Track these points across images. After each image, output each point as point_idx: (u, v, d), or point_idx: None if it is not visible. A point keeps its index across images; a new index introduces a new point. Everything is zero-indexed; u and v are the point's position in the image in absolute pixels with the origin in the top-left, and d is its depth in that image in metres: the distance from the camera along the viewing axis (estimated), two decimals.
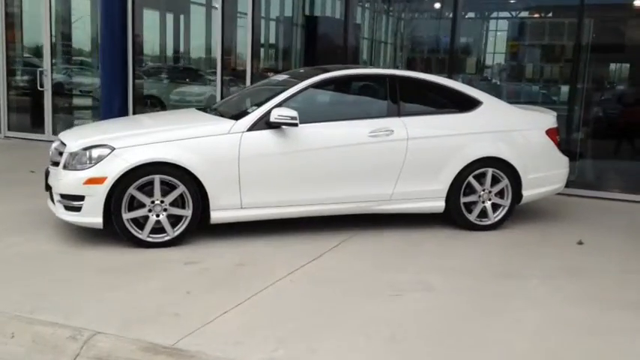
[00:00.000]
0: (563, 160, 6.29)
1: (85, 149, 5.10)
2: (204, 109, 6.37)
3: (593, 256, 5.35)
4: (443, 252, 5.32)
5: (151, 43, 10.43)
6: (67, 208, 5.09)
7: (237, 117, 5.44)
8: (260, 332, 3.62)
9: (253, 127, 5.32)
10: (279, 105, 5.41)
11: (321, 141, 5.45)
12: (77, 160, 5.09)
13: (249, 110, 5.50)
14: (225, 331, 3.64)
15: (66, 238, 5.29)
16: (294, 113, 5.21)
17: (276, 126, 5.33)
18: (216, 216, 5.26)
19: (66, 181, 5.03)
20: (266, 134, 5.33)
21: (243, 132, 5.29)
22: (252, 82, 8.83)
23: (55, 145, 5.55)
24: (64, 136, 5.53)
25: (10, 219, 5.82)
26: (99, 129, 5.79)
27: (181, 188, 5.09)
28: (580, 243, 5.71)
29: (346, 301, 4.16)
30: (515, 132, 6.04)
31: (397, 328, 3.74)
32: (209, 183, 5.14)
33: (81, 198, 4.99)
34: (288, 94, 5.52)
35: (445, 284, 4.53)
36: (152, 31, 10.17)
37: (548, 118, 6.29)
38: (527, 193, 6.09)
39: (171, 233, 5.15)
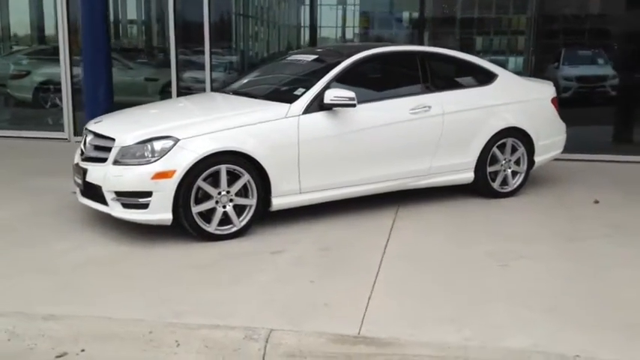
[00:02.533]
0: (563, 127, 6.75)
1: (144, 142, 4.78)
2: (220, 91, 6.17)
3: (619, 212, 5.80)
4: (495, 221, 5.54)
5: None
6: (129, 205, 4.76)
7: (284, 99, 5.30)
8: (424, 313, 3.65)
9: (308, 110, 5.22)
10: (327, 86, 5.34)
11: (371, 120, 5.47)
12: (134, 154, 4.77)
13: (297, 92, 5.37)
14: (391, 315, 3.63)
15: (117, 237, 4.97)
16: (352, 94, 5.19)
17: (328, 107, 5.27)
18: (278, 202, 5.15)
19: (128, 177, 4.69)
20: (320, 116, 5.27)
21: (299, 115, 5.19)
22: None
23: (89, 139, 5.13)
24: (104, 128, 5.11)
25: (34, 222, 5.37)
26: (142, 118, 5.42)
27: (246, 177, 4.93)
28: (596, 202, 6.18)
29: (464, 276, 4.27)
30: (529, 102, 6.38)
31: (546, 298, 3.90)
32: (271, 169, 5.02)
33: (148, 194, 4.68)
34: (333, 74, 5.45)
35: (531, 251, 4.75)
36: None
37: (550, 88, 6.70)
38: (538, 159, 6.48)
39: (238, 224, 4.98)
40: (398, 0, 9.77)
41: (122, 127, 5.07)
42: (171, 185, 4.68)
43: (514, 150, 6.28)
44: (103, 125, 5.22)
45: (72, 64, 9.35)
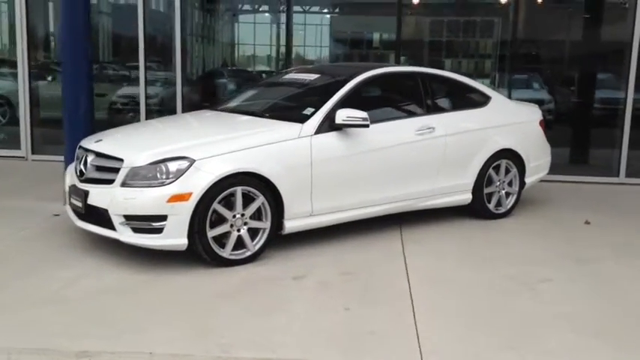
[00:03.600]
0: (549, 149, 6.88)
1: (157, 162, 4.53)
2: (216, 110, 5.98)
3: (613, 233, 5.93)
4: (498, 243, 5.55)
5: None
6: (140, 230, 4.49)
7: (294, 119, 5.16)
8: (478, 340, 3.58)
9: (319, 130, 5.10)
10: (336, 106, 5.24)
11: (380, 141, 5.40)
12: (146, 176, 4.51)
13: (306, 112, 5.24)
14: (447, 344, 3.54)
15: (122, 263, 4.69)
16: (365, 114, 5.10)
17: (338, 128, 5.16)
18: (290, 225, 4.98)
19: (142, 200, 4.42)
20: (332, 137, 5.16)
21: (311, 135, 5.06)
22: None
23: (90, 159, 4.83)
24: (109, 148, 4.82)
25: (24, 248, 5.01)
26: (149, 137, 5.15)
27: (260, 199, 4.75)
28: (587, 222, 6.31)
29: (497, 300, 4.23)
30: (520, 124, 6.48)
31: (588, 322, 3.90)
32: (284, 191, 4.86)
33: (163, 218, 4.43)
34: (342, 94, 5.36)
35: (547, 274, 4.76)
36: None
37: (538, 111, 6.82)
38: (528, 180, 6.58)
39: (252, 248, 4.78)
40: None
41: (130, 147, 4.79)
42: (187, 208, 4.44)
43: (507, 171, 6.34)
44: (105, 144, 4.91)
45: (30, 78, 8.88)
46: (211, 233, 4.58)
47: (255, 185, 4.72)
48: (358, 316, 3.89)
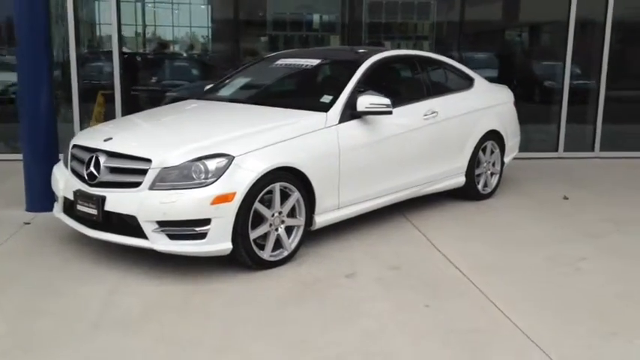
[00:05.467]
0: (519, 128, 7.04)
1: (193, 161, 4.10)
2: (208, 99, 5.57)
3: (604, 208, 6.17)
4: (507, 223, 5.60)
5: None
6: (179, 237, 4.06)
7: (314, 108, 4.89)
8: (595, 329, 3.55)
9: (342, 118, 4.87)
10: (353, 92, 5.02)
11: (395, 127, 5.25)
12: (180, 176, 4.07)
13: (324, 100, 4.97)
14: (562, 335, 3.48)
15: (149, 273, 4.24)
16: (387, 100, 4.92)
17: (358, 115, 4.96)
18: (320, 220, 4.73)
19: (182, 203, 3.99)
20: (354, 124, 4.95)
21: (337, 124, 4.82)
22: None
23: (103, 160, 4.29)
24: (128, 147, 4.30)
25: (29, 262, 4.41)
26: (172, 132, 4.66)
27: (296, 195, 4.46)
28: (565, 198, 6.54)
29: (561, 284, 4.25)
30: (501, 105, 6.56)
31: None
32: (317, 185, 4.60)
33: (206, 222, 4.03)
34: (357, 79, 5.14)
35: (578, 252, 4.85)
36: None
37: (510, 92, 6.94)
38: (506, 159, 6.70)
39: (289, 248, 4.49)
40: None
41: (155, 145, 4.29)
42: (231, 210, 4.06)
43: (491, 152, 6.40)
44: (121, 143, 4.37)
45: None
46: (253, 235, 4.23)
47: (291, 180, 4.41)
48: (443, 312, 3.74)
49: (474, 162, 6.13)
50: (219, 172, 4.06)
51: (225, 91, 5.71)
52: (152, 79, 9.62)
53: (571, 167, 8.20)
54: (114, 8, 7.94)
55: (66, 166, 4.72)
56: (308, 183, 4.51)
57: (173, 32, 9.85)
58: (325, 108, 4.84)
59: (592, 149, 9.00)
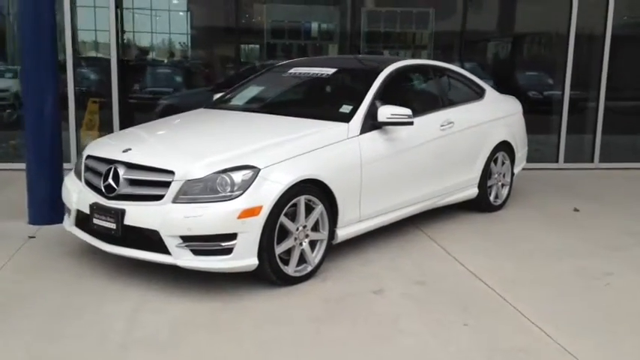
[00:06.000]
0: (526, 140, 6.98)
1: (218, 173, 3.95)
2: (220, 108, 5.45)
3: (618, 220, 6.12)
4: (523, 236, 5.50)
5: None
6: (204, 252, 3.90)
7: (334, 118, 4.77)
8: (630, 345, 3.47)
9: (363, 129, 4.75)
10: (373, 102, 4.92)
11: (414, 138, 5.15)
12: (205, 189, 3.92)
13: (344, 110, 4.85)
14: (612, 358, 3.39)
15: (165, 290, 4.07)
16: (409, 111, 4.82)
17: (379, 126, 4.85)
18: (341, 234, 4.61)
19: (208, 217, 3.83)
20: (375, 135, 4.84)
21: (358, 135, 4.70)
22: None
23: (122, 172, 4.11)
24: (149, 158, 4.13)
25: (26, 283, 4.21)
26: (191, 143, 4.49)
27: (319, 208, 4.33)
28: (576, 210, 6.49)
29: (592, 298, 4.18)
30: (511, 116, 6.50)
31: None
32: (340, 197, 4.47)
33: (232, 237, 3.88)
34: (375, 89, 5.02)
35: (604, 266, 4.78)
36: None
37: (519, 103, 6.88)
38: (515, 170, 6.64)
39: (312, 263, 4.35)
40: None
41: (177, 156, 4.13)
42: (258, 224, 3.92)
43: (502, 163, 6.34)
44: (141, 154, 4.20)
45: None
46: (279, 250, 4.08)
47: (315, 193, 4.28)
48: (482, 330, 3.63)
49: (486, 173, 6.06)
50: (246, 185, 3.91)
51: (237, 100, 5.55)
52: (146, 86, 9.44)
53: (573, 178, 8.17)
54: (112, 16, 7.74)
55: (78, 177, 4.53)
56: (331, 196, 4.38)
57: (170, 39, 9.66)
58: (345, 118, 4.72)
59: (591, 160, 8.97)
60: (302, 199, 4.17)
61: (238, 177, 3.93)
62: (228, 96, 5.70)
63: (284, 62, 6.09)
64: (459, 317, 3.78)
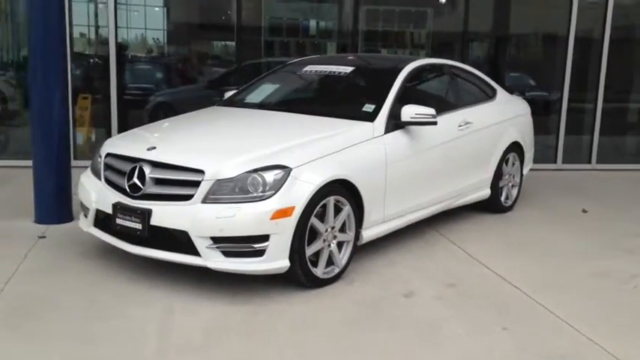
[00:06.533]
0: (533, 140, 6.97)
1: (250, 172, 3.84)
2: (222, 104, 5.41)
3: (625, 222, 6.12)
4: (540, 238, 5.47)
5: None
6: (235, 254, 3.80)
7: (358, 117, 4.69)
8: None
9: (387, 129, 4.68)
10: (394, 102, 4.85)
11: (435, 137, 5.09)
12: (235, 189, 3.81)
13: (367, 109, 4.78)
14: None
15: (192, 292, 3.96)
16: (432, 110, 4.76)
17: (401, 125, 4.79)
18: (366, 235, 4.53)
19: (241, 217, 3.72)
20: (398, 135, 4.77)
21: (382, 135, 4.63)
22: None
23: (148, 171, 3.98)
24: (177, 157, 4.00)
25: (43, 284, 4.07)
26: (217, 141, 4.37)
27: (347, 208, 4.25)
28: (584, 211, 6.49)
29: (623, 300, 4.16)
30: (521, 117, 6.48)
31: None
32: (366, 198, 4.40)
33: (265, 238, 3.78)
34: (397, 89, 4.96)
35: (631, 267, 4.77)
36: None
37: (527, 104, 6.86)
38: (525, 171, 6.63)
39: (340, 264, 4.27)
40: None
41: (205, 155, 4.01)
42: (290, 225, 3.82)
43: (512, 164, 6.31)
44: (167, 152, 4.07)
45: None
46: (309, 251, 3.99)
47: (343, 193, 4.19)
48: (522, 335, 3.58)
49: (498, 174, 6.02)
50: (278, 185, 3.81)
51: (253, 98, 5.43)
52: (139, 83, 9.25)
53: (573, 179, 8.19)
54: (111, 11, 7.56)
55: (97, 175, 4.38)
56: (357, 196, 4.30)
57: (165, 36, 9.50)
58: (369, 117, 4.65)
59: (589, 161, 9.02)
60: (331, 200, 4.09)
61: (270, 177, 3.83)
62: (241, 94, 5.58)
63: (296, 60, 5.98)
64: (496, 321, 3.72)
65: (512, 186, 6.36)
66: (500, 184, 6.11)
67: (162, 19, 9.61)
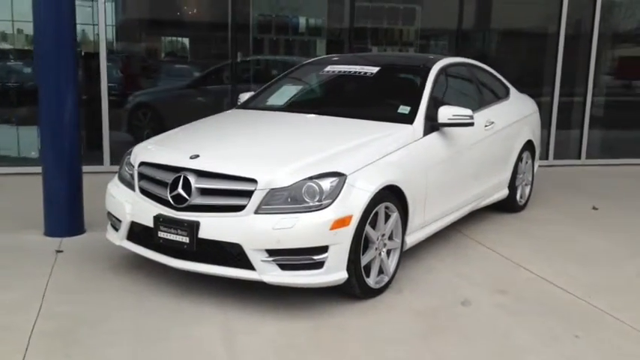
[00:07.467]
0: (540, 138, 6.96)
1: (306, 180, 3.66)
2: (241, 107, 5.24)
3: (636, 217, 6.15)
4: (564, 238, 5.43)
5: None
6: (293, 267, 3.61)
7: (395, 119, 4.55)
8: None
9: (425, 131, 4.56)
10: (429, 103, 4.73)
11: (467, 138, 5.00)
12: (289, 198, 3.63)
13: (402, 111, 4.65)
14: None
15: (246, 307, 3.75)
16: (470, 111, 4.66)
17: (437, 127, 4.68)
18: (409, 240, 4.40)
19: (300, 228, 3.54)
20: (435, 137, 4.65)
21: (422, 137, 4.51)
22: None
23: (193, 180, 3.76)
24: (225, 166, 3.78)
25: (75, 304, 3.81)
26: (263, 147, 4.14)
27: (395, 215, 4.11)
28: (595, 208, 6.51)
29: None
30: (532, 115, 6.45)
31: None
32: (411, 203, 4.27)
33: (324, 249, 3.60)
34: (430, 89, 4.83)
35: None
36: None
37: (534, 102, 6.83)
38: (535, 168, 6.61)
39: (389, 273, 4.13)
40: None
41: (257, 163, 3.79)
42: (348, 235, 3.66)
43: (525, 162, 6.28)
44: (214, 161, 3.84)
45: None
46: (363, 261, 3.83)
47: (392, 200, 4.05)
48: (596, 342, 3.51)
49: (515, 173, 5.97)
50: (334, 194, 3.64)
51: (277, 101, 5.22)
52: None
53: (567, 175, 8.24)
54: (102, 8, 7.22)
55: (128, 186, 4.12)
56: (403, 201, 4.16)
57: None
58: (406, 119, 4.51)
59: (579, 157, 9.10)
60: (382, 207, 3.94)
61: (326, 185, 3.65)
62: (261, 95, 5.36)
63: (313, 60, 5.79)
64: (563, 329, 3.64)
65: (526, 184, 6.31)
66: (516, 183, 6.06)
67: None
